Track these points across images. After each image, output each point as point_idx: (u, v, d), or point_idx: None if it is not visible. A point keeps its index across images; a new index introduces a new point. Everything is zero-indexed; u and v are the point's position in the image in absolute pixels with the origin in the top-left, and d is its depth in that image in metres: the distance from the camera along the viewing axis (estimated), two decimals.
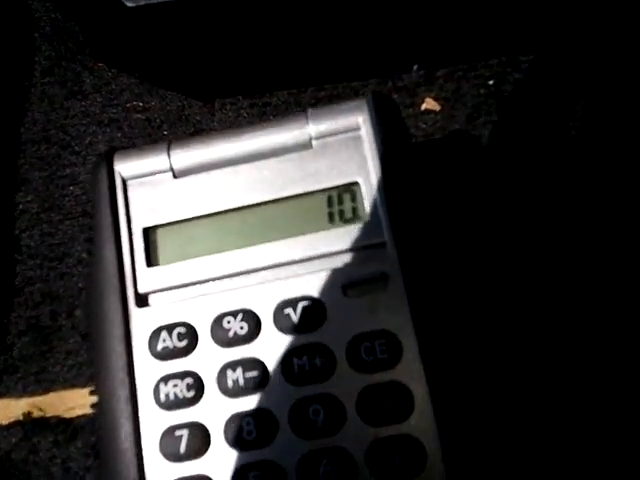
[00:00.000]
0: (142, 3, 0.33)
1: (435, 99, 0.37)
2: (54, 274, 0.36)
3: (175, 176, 0.29)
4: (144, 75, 0.40)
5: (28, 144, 0.39)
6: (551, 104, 0.36)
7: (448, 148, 0.36)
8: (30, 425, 0.33)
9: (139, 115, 0.39)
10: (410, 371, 0.26)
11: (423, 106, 0.37)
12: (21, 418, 0.33)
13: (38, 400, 0.33)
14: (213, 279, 0.28)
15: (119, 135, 0.39)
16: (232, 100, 0.39)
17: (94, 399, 0.32)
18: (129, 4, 0.33)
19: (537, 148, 0.35)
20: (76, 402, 0.33)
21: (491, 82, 0.36)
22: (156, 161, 0.29)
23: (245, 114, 0.38)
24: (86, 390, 0.33)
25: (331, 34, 0.36)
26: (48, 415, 0.33)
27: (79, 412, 0.33)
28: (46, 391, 0.33)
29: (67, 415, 0.33)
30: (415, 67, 0.37)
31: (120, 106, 0.40)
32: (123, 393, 0.26)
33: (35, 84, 0.41)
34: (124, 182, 0.29)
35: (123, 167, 0.29)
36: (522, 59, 0.37)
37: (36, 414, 0.33)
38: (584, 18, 0.36)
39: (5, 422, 0.33)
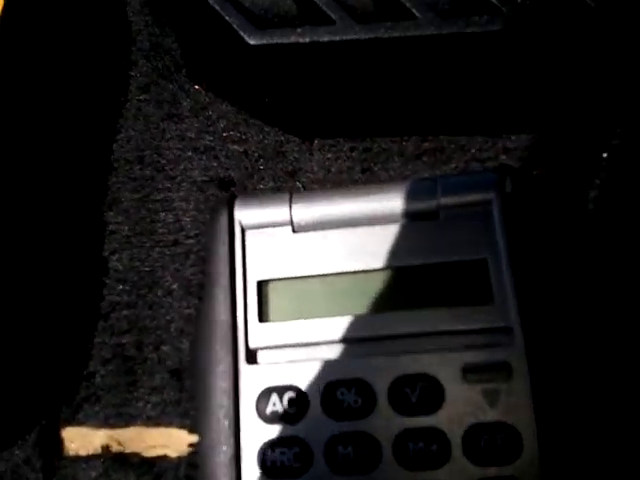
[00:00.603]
0: (265, 42, 0.33)
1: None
2: (142, 302, 0.36)
3: (294, 230, 0.29)
4: (244, 105, 0.39)
5: (121, 162, 0.39)
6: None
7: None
8: (110, 460, 0.32)
9: (236, 146, 0.39)
10: (530, 468, 0.25)
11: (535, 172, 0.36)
12: (100, 451, 0.33)
13: (117, 433, 0.33)
14: (326, 342, 0.28)
15: (215, 165, 0.39)
16: (332, 142, 0.38)
17: (179, 441, 0.32)
18: (252, 42, 0.33)
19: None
20: (157, 441, 0.32)
21: (605, 155, 0.36)
22: (277, 212, 0.29)
23: (345, 157, 0.38)
24: (168, 430, 0.33)
25: (440, 86, 0.36)
26: (127, 451, 0.32)
27: (160, 452, 0.32)
28: (127, 425, 0.33)
29: (147, 454, 0.32)
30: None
31: (217, 134, 0.39)
32: (227, 452, 0.26)
33: (131, 100, 0.41)
34: (243, 231, 0.29)
35: (244, 215, 0.29)
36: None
37: (115, 448, 0.33)
38: None
39: (84, 453, 0.33)
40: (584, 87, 0.35)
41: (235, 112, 0.40)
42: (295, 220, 0.29)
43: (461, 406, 0.26)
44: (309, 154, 0.38)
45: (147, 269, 0.36)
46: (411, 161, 0.37)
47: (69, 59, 0.41)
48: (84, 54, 0.41)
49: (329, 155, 0.38)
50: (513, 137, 0.37)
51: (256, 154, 0.39)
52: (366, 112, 0.38)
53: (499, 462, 0.25)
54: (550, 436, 0.25)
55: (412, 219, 0.29)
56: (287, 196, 0.29)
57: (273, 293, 0.29)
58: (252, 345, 0.28)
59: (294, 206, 0.29)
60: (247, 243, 0.29)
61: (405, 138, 0.38)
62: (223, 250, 0.29)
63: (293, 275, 0.28)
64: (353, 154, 0.38)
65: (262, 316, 0.28)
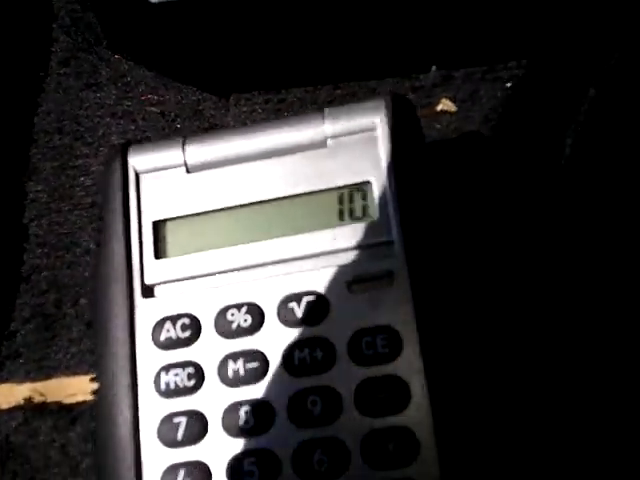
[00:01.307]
0: (165, 0, 0.34)
1: (452, 100, 0.37)
2: (61, 263, 0.37)
3: (188, 171, 0.30)
4: (160, 68, 0.40)
5: (41, 134, 0.40)
6: (568, 107, 0.36)
7: (461, 150, 0.36)
8: (31, 410, 0.33)
9: (153, 108, 0.40)
10: (409, 366, 0.26)
11: (439, 107, 0.37)
12: (22, 403, 0.34)
13: (40, 386, 0.34)
14: (219, 272, 0.28)
15: (132, 128, 0.40)
16: (247, 96, 0.39)
17: (94, 386, 0.33)
18: (153, 0, 0.34)
19: (551, 151, 0.35)
20: (77, 389, 0.33)
21: (509, 84, 0.37)
22: (170, 156, 0.30)
23: (260, 110, 0.39)
24: (87, 377, 0.34)
25: (350, 32, 0.37)
26: (49, 400, 0.33)
27: (80, 398, 0.33)
28: (48, 377, 0.34)
29: (68, 401, 0.33)
30: (434, 68, 0.37)
31: (135, 99, 0.40)
32: (124, 380, 0.27)
33: (51, 74, 0.42)
34: (137, 175, 0.30)
35: (137, 160, 0.30)
36: (541, 61, 0.37)
37: (37, 399, 0.33)
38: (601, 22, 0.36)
39: (6, 406, 0.34)
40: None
41: (154, 77, 0.41)
42: (188, 161, 0.30)
43: (346, 315, 0.27)
44: (225, 110, 0.39)
45: (66, 232, 0.37)
46: (325, 108, 0.38)
47: None
48: (6, 31, 0.42)
49: (244, 109, 0.39)
50: (421, 76, 0.38)
51: (173, 114, 0.40)
52: (278, 64, 0.39)
53: (381, 361, 0.26)
54: (429, 334, 0.26)
55: (302, 150, 0.29)
56: (180, 139, 0.30)
57: (169, 231, 0.29)
58: (148, 281, 0.29)
59: (187, 148, 0.30)
60: (142, 187, 0.30)
61: (318, 87, 0.39)
62: (117, 195, 0.30)
63: (188, 213, 0.29)
64: (268, 105, 0.39)
65: (158, 253, 0.29)
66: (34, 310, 0.36)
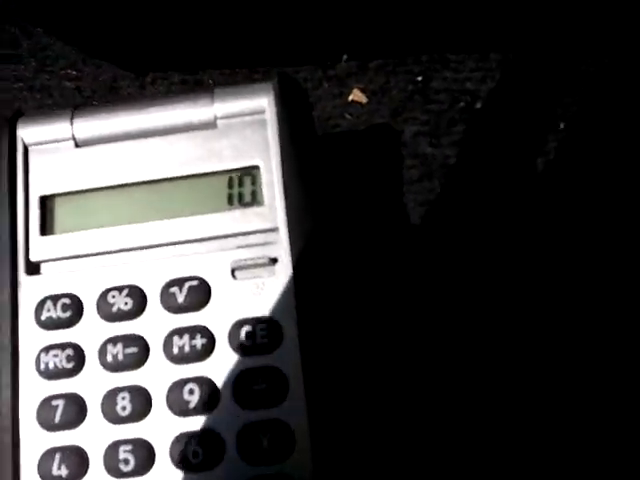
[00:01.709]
0: None
1: (363, 91, 0.37)
2: None
3: (77, 145, 0.30)
4: (79, 44, 0.40)
5: None
6: (477, 105, 0.37)
7: (370, 141, 0.37)
8: None
9: (70, 83, 0.40)
10: (288, 357, 0.27)
11: (350, 97, 0.37)
12: None
13: None
14: (105, 252, 0.29)
15: (49, 102, 0.40)
16: (164, 75, 0.39)
17: None
18: None
19: (459, 149, 0.36)
20: None
21: (419, 78, 0.37)
22: (59, 129, 0.30)
23: (175, 90, 0.39)
24: None
25: (266, 18, 0.37)
26: None
27: None
28: None
29: None
30: (345, 57, 0.38)
31: (54, 73, 0.40)
32: (4, 359, 0.27)
33: None
34: (25, 148, 0.30)
35: (26, 133, 0.30)
36: (451, 57, 0.38)
37: None
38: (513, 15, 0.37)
39: None
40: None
41: (74, 52, 0.41)
42: (77, 135, 0.30)
43: (227, 303, 0.27)
44: (141, 87, 0.40)
45: None
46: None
47: None
48: None
49: (161, 88, 0.39)
50: (336, 66, 0.38)
51: (89, 90, 0.40)
52: (196, 44, 0.39)
53: (260, 352, 0.27)
54: (308, 326, 0.27)
55: (192, 129, 0.30)
56: (69, 112, 0.30)
57: (57, 207, 0.29)
58: (34, 258, 0.29)
59: (75, 121, 0.30)
60: (30, 160, 0.30)
61: (235, 70, 0.39)
62: (3, 167, 0.29)
63: (76, 189, 0.29)
64: (184, 86, 0.39)
65: (45, 229, 0.29)
66: None
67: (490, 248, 0.34)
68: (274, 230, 0.28)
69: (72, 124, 0.30)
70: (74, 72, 0.40)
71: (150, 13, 0.37)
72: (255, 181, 0.29)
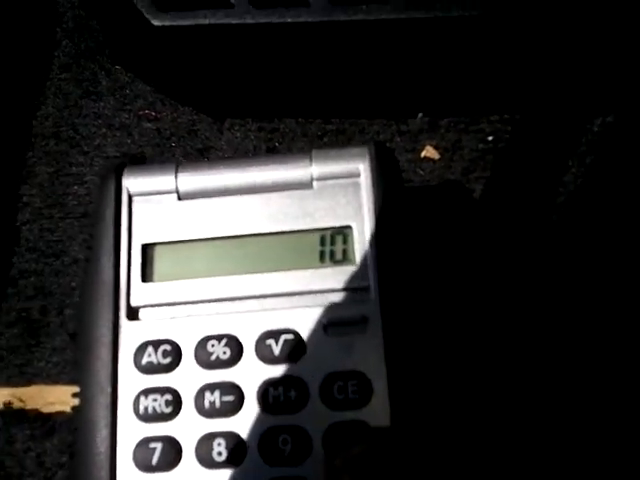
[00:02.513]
0: (168, 24, 0.36)
1: (435, 148, 0.39)
2: (49, 270, 0.38)
3: (180, 198, 0.32)
4: (159, 85, 0.42)
5: (38, 138, 0.42)
6: (546, 166, 0.38)
7: (442, 198, 0.38)
8: (9, 415, 0.35)
9: (150, 124, 0.42)
10: (377, 413, 0.28)
11: (423, 153, 0.39)
12: (2, 407, 0.35)
13: (20, 391, 0.36)
14: (203, 301, 0.30)
15: (128, 141, 0.41)
16: (241, 122, 0.41)
17: (75, 400, 0.35)
18: (155, 23, 0.36)
19: (528, 208, 0.38)
20: (56, 398, 0.35)
21: (490, 138, 0.39)
22: (163, 181, 0.32)
23: (252, 137, 0.41)
24: (67, 388, 0.36)
25: (344, 74, 0.39)
26: (28, 407, 0.35)
27: (58, 408, 0.35)
28: (28, 384, 0.36)
29: (46, 410, 0.35)
30: (420, 115, 0.40)
31: (132, 112, 0.42)
32: (104, 400, 0.29)
33: (52, 79, 0.43)
34: (130, 197, 0.32)
35: (131, 182, 0.32)
36: (522, 118, 0.39)
37: (16, 405, 0.35)
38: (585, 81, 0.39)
39: None
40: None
41: (152, 92, 0.43)
42: (180, 188, 0.32)
43: (320, 357, 0.29)
44: (219, 132, 0.41)
45: (55, 239, 0.39)
46: (314, 141, 0.41)
47: None
48: (10, 34, 0.44)
49: (238, 134, 0.41)
50: (408, 121, 0.40)
51: (168, 132, 0.42)
52: (274, 94, 0.41)
53: (351, 407, 0.28)
54: (399, 383, 0.28)
55: (289, 188, 0.31)
56: (173, 166, 0.32)
57: (157, 256, 0.31)
58: (134, 303, 0.30)
59: (180, 175, 0.32)
60: (134, 209, 0.32)
61: (310, 120, 0.41)
62: (109, 215, 0.31)
63: (177, 239, 0.31)
64: (260, 134, 0.41)
65: (145, 276, 0.31)
66: (19, 315, 0.37)
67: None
68: (365, 289, 0.30)
69: (176, 177, 0.31)
70: (153, 113, 0.42)
71: (228, 61, 0.38)
72: (347, 240, 0.31)
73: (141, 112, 0.42)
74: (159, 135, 0.42)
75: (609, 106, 0.39)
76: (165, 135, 0.42)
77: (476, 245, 0.37)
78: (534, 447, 0.33)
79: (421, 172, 0.39)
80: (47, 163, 0.41)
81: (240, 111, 0.41)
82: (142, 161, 0.36)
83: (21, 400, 0.35)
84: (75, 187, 0.40)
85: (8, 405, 0.35)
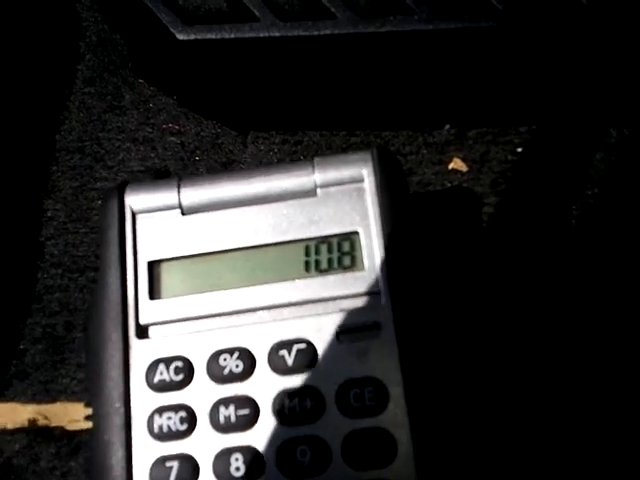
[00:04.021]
0: (193, 37, 0.37)
1: (463, 160, 0.40)
2: (74, 285, 0.40)
3: (183, 213, 0.33)
4: (182, 98, 0.44)
5: (62, 152, 0.44)
6: (576, 178, 0.39)
7: (472, 209, 0.39)
8: (34, 434, 0.37)
9: (174, 138, 0.44)
10: (395, 419, 0.29)
11: (451, 165, 0.40)
12: (26, 425, 0.37)
13: (44, 408, 0.37)
14: (213, 315, 0.32)
15: (152, 155, 0.43)
16: (265, 135, 0.43)
17: None
18: (180, 37, 0.37)
19: (556, 221, 0.39)
20: (81, 415, 0.37)
21: (519, 149, 0.40)
22: (166, 197, 0.33)
23: (276, 150, 0.43)
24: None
25: (369, 85, 0.40)
26: (52, 425, 0.37)
27: (83, 426, 0.36)
28: (53, 401, 0.37)
29: (71, 428, 0.37)
30: (447, 126, 0.41)
31: (156, 126, 0.44)
32: (118, 421, 0.30)
33: (75, 93, 0.45)
34: (133, 215, 0.33)
35: (134, 200, 0.33)
36: (551, 129, 0.40)
37: (41, 422, 0.37)
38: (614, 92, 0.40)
39: (11, 427, 0.37)
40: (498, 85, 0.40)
41: (175, 105, 0.44)
42: (183, 203, 0.33)
43: (334, 365, 0.30)
44: (243, 146, 0.43)
45: (80, 254, 0.41)
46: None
47: (19, 52, 0.46)
48: (34, 47, 0.46)
49: (262, 147, 0.43)
50: (435, 132, 0.41)
51: (192, 146, 0.43)
52: (298, 107, 0.42)
53: (368, 414, 0.29)
54: (414, 388, 0.29)
55: (292, 197, 0.33)
56: (175, 181, 0.33)
57: (164, 272, 0.33)
58: (143, 321, 0.32)
59: (182, 190, 0.33)
60: (138, 227, 0.33)
61: (334, 132, 0.42)
62: (113, 234, 0.33)
63: (183, 254, 0.33)
64: (284, 147, 0.43)
65: (153, 294, 0.32)
66: (44, 331, 0.39)
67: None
68: (376, 294, 0.31)
69: (179, 193, 0.33)
70: (177, 127, 0.44)
71: (252, 75, 0.40)
72: (354, 246, 0.32)
73: (165, 126, 0.44)
74: (183, 149, 0.43)
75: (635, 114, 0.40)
76: (189, 149, 0.43)
77: (489, 250, 0.39)
78: (545, 448, 0.34)
79: (449, 185, 0.40)
80: (71, 178, 0.43)
81: (264, 124, 0.43)
82: (166, 175, 0.37)
83: (46, 417, 0.37)
84: (99, 202, 0.42)
85: (33, 422, 0.37)
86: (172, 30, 0.38)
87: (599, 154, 0.40)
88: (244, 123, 0.43)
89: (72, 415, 0.37)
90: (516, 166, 0.40)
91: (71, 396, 0.38)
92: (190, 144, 0.43)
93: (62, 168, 0.43)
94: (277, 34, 0.37)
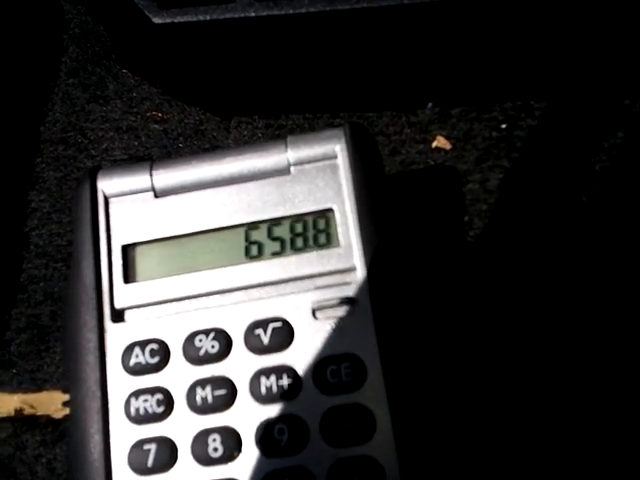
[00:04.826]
0: (169, 21, 0.38)
1: (447, 138, 0.41)
2: (58, 275, 0.41)
3: (156, 195, 0.33)
4: (165, 86, 0.44)
5: (47, 144, 0.44)
6: (561, 154, 0.40)
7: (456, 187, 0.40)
8: (20, 422, 0.37)
9: (157, 126, 0.44)
10: (373, 394, 0.30)
11: (434, 144, 0.41)
12: (12, 414, 0.37)
13: (31, 397, 0.38)
14: (188, 297, 0.32)
15: (136, 144, 0.44)
16: (248, 119, 0.43)
17: None
18: (156, 20, 0.38)
19: (541, 197, 0.39)
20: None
21: (504, 126, 0.40)
22: (138, 180, 0.33)
23: (260, 134, 0.43)
24: None
25: (350, 66, 0.40)
26: (39, 414, 0.37)
27: (68, 412, 0.37)
28: (39, 389, 0.38)
29: (57, 415, 0.37)
30: (430, 104, 0.41)
31: (140, 114, 0.45)
32: (95, 405, 0.30)
33: (59, 85, 0.46)
34: (106, 199, 0.34)
35: (106, 185, 0.34)
36: (536, 105, 0.41)
37: (27, 411, 0.37)
38: (600, 68, 0.40)
39: None
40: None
41: (159, 93, 0.45)
42: (156, 186, 0.33)
43: (310, 342, 0.31)
44: (226, 131, 0.43)
45: (65, 244, 0.41)
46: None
47: (2, 45, 0.46)
48: (17, 40, 0.47)
49: (245, 132, 0.43)
50: (418, 112, 0.42)
51: (175, 132, 0.44)
52: (280, 89, 0.43)
53: (346, 390, 0.30)
54: (391, 362, 0.30)
55: (266, 176, 0.33)
56: (148, 164, 0.34)
57: (138, 255, 0.33)
58: (118, 305, 0.32)
59: (154, 173, 0.33)
60: (111, 211, 0.33)
61: (318, 115, 0.43)
62: (86, 218, 0.33)
63: (157, 237, 0.33)
64: (268, 131, 0.43)
65: (128, 277, 0.33)
66: (29, 321, 0.40)
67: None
68: (351, 270, 0.31)
69: (151, 175, 0.33)
70: (160, 114, 0.44)
71: (233, 58, 0.40)
72: (329, 223, 0.32)
73: (148, 114, 0.44)
74: (166, 136, 0.44)
75: (622, 91, 0.40)
76: (172, 136, 0.44)
77: (473, 227, 0.39)
78: (531, 442, 0.35)
79: (432, 163, 0.40)
80: (55, 168, 0.44)
81: (247, 108, 0.43)
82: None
83: (32, 406, 0.38)
84: None
85: (19, 412, 0.38)
86: (148, 14, 0.38)
87: (585, 129, 0.40)
88: (227, 108, 0.44)
89: (58, 403, 0.38)
90: (500, 143, 0.40)
91: (57, 384, 0.38)
92: (173, 131, 0.44)
93: (46, 159, 0.44)
94: (253, 14, 0.37)
